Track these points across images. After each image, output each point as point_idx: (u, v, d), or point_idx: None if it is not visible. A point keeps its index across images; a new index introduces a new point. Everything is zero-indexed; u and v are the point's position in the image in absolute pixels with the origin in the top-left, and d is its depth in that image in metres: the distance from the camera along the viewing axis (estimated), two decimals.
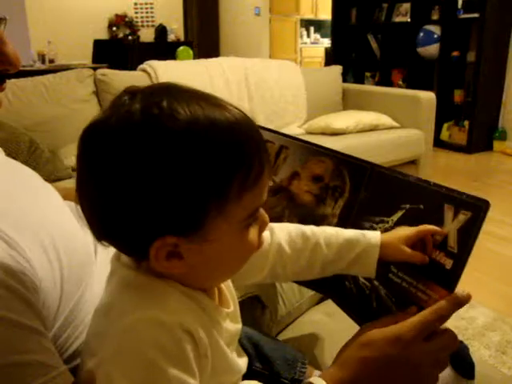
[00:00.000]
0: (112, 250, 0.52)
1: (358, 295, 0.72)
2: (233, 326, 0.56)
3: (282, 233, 0.67)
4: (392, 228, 0.67)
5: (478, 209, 0.56)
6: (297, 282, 0.84)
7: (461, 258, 0.57)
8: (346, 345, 0.58)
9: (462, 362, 0.66)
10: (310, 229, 0.68)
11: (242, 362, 0.60)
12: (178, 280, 0.48)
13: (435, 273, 0.59)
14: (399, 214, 0.66)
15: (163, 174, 0.42)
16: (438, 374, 0.55)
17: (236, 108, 0.47)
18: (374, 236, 0.66)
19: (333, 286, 0.76)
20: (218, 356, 0.50)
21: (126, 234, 0.45)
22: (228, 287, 0.60)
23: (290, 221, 0.78)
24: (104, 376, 0.44)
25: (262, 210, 0.50)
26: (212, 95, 0.47)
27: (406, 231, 0.64)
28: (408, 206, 0.65)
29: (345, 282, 0.74)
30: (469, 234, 0.56)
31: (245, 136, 0.45)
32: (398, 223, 0.66)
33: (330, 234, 0.67)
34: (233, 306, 0.58)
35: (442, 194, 0.61)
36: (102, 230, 0.47)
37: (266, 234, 0.67)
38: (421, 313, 0.55)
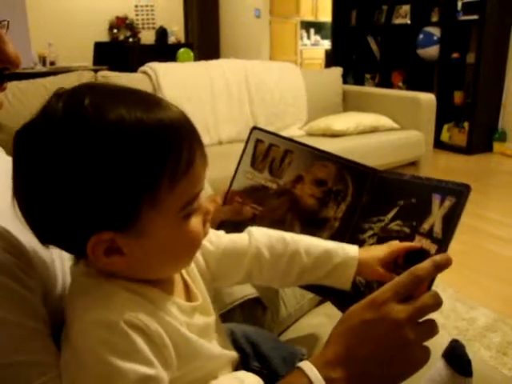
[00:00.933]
0: None
1: (353, 293, 0.72)
2: (202, 318, 0.57)
3: (261, 236, 0.67)
4: (387, 225, 0.69)
5: (459, 193, 0.59)
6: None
7: (444, 243, 0.59)
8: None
9: (459, 360, 0.66)
10: (290, 235, 0.68)
11: (227, 352, 0.61)
12: (125, 275, 0.49)
13: (422, 259, 0.60)
14: (394, 210, 0.69)
15: (88, 171, 0.42)
16: (422, 341, 0.52)
17: (165, 101, 0.48)
18: (352, 251, 0.67)
19: (331, 288, 0.76)
20: (182, 344, 0.50)
21: (61, 234, 0.46)
22: (196, 281, 0.60)
23: (293, 223, 0.80)
24: (70, 378, 0.46)
25: (203, 200, 0.51)
26: (142, 92, 0.48)
27: (380, 252, 0.66)
28: (402, 202, 0.68)
29: None
30: (451, 219, 0.59)
31: (171, 127, 0.45)
32: (393, 219, 0.69)
33: (309, 242, 0.68)
34: (201, 299, 0.58)
35: (430, 186, 0.64)
36: (41, 231, 0.48)
37: (243, 236, 0.68)
38: (396, 277, 0.55)
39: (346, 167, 0.77)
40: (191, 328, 0.53)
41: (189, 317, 0.54)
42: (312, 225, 0.71)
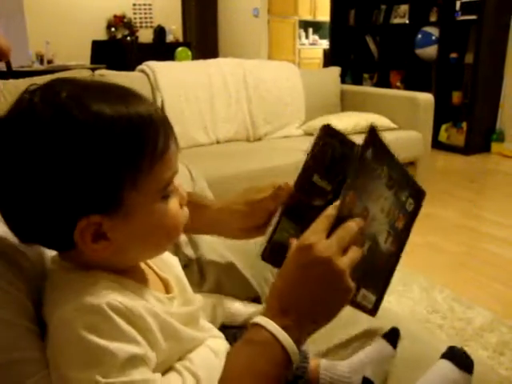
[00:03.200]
0: None
1: None
2: (183, 308, 0.59)
3: None
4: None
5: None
6: None
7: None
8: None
9: (462, 358, 0.68)
10: None
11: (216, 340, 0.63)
12: (105, 265, 0.51)
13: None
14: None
15: (74, 158, 0.44)
16: (351, 266, 0.53)
17: (137, 93, 0.51)
18: None
19: None
20: (166, 327, 0.52)
21: (48, 225, 0.47)
22: (172, 274, 0.62)
23: None
24: (57, 373, 0.46)
25: (178, 185, 0.54)
26: (115, 84, 0.51)
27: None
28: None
29: None
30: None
31: (148, 115, 0.49)
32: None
33: None
34: (177, 291, 0.61)
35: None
36: (23, 228, 0.48)
37: None
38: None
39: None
40: (173, 316, 0.55)
41: (167, 307, 0.56)
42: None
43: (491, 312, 1.81)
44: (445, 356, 0.68)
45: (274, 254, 0.75)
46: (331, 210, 0.55)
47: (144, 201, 0.49)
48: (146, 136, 0.48)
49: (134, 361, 0.46)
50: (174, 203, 0.53)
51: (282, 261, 0.75)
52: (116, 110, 0.46)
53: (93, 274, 0.50)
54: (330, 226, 0.54)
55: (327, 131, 0.80)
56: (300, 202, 0.78)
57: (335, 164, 0.76)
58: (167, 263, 0.63)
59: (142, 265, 0.59)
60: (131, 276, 0.54)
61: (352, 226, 0.54)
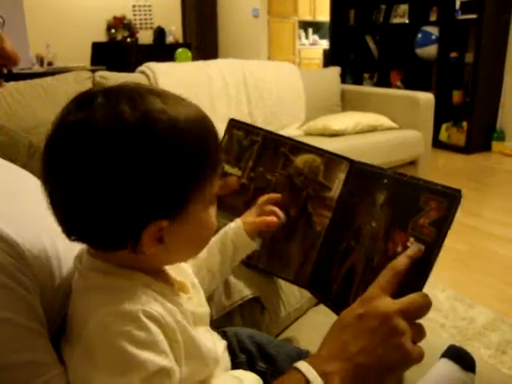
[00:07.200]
0: None
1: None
2: (198, 309, 0.59)
3: None
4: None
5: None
6: (295, 283, 0.85)
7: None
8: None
9: (463, 356, 0.68)
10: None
11: (219, 346, 0.63)
12: (141, 266, 0.51)
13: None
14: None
15: (154, 166, 0.45)
16: (412, 337, 0.53)
17: (194, 104, 0.53)
18: (233, 222, 0.78)
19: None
20: (188, 340, 0.52)
21: (118, 225, 0.47)
22: (185, 274, 0.63)
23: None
24: (80, 376, 0.46)
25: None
26: (169, 93, 0.52)
27: (250, 210, 0.79)
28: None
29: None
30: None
31: (210, 128, 0.51)
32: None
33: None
34: (192, 291, 0.61)
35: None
36: (81, 225, 0.48)
37: None
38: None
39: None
40: (190, 315, 0.55)
41: (189, 305, 0.56)
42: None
43: (493, 311, 1.80)
44: (445, 355, 0.68)
45: None
46: (399, 265, 0.56)
47: (200, 207, 0.51)
48: (211, 146, 0.50)
49: (162, 374, 0.46)
50: (213, 212, 0.54)
51: None
52: (186, 115, 0.48)
53: (129, 276, 0.50)
54: (394, 282, 0.55)
55: (232, 124, 0.88)
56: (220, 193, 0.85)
57: (243, 152, 0.83)
58: (182, 269, 0.64)
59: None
60: (160, 276, 0.55)
61: (419, 301, 0.54)
